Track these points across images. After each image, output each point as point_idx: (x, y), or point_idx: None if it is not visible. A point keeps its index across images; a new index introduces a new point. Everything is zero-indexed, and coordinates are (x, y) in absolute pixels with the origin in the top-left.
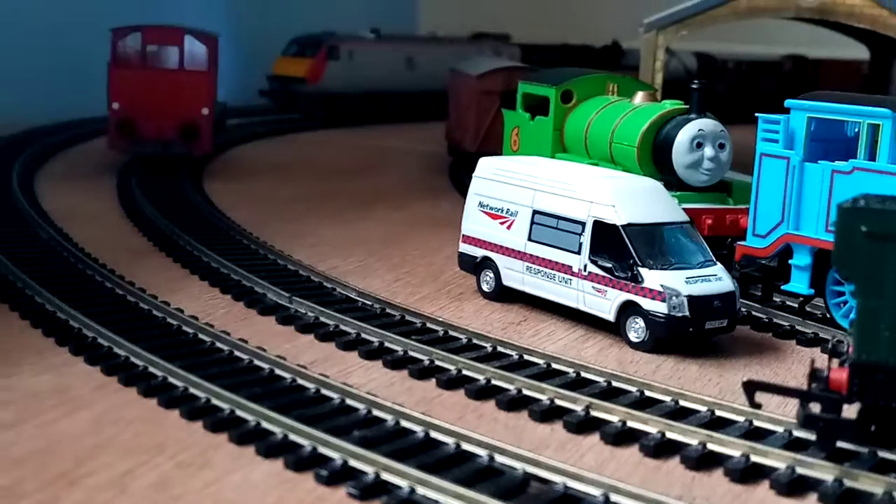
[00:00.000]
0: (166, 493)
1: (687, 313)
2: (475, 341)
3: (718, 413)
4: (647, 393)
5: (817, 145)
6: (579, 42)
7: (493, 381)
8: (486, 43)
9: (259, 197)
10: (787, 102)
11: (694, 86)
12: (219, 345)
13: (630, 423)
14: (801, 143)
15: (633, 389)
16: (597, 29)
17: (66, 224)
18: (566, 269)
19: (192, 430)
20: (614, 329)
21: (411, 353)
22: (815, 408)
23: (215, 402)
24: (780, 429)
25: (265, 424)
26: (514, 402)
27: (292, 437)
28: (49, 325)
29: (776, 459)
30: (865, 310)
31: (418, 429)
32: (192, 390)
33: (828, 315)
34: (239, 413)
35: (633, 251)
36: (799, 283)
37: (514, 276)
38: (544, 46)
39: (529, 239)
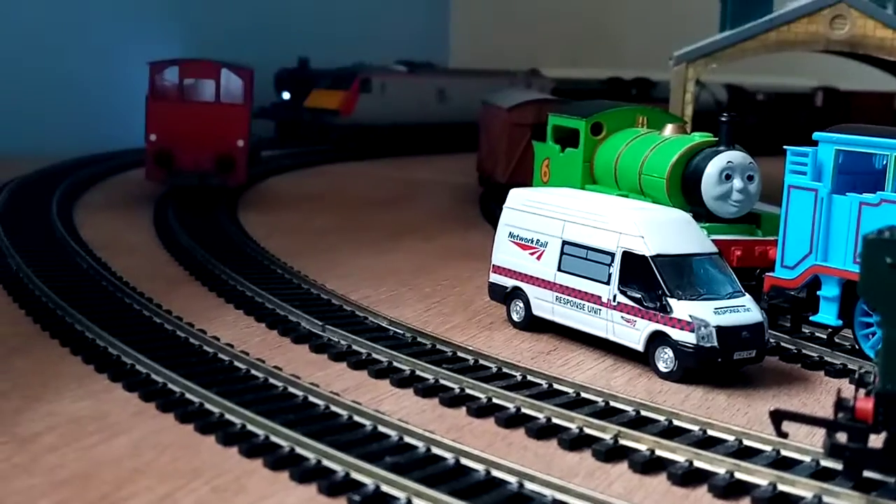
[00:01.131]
0: None
1: (716, 344)
2: (505, 370)
3: (746, 442)
4: (676, 422)
5: (845, 178)
6: (609, 75)
7: (523, 410)
8: (517, 76)
9: (292, 227)
10: (816, 135)
11: (723, 118)
12: (254, 372)
13: (658, 452)
14: (829, 175)
15: (662, 419)
16: (627, 62)
17: (104, 253)
18: (595, 299)
19: (228, 455)
20: (643, 359)
21: (442, 382)
22: (842, 437)
23: (250, 427)
24: (807, 458)
25: (299, 450)
26: (544, 431)
27: (326, 462)
28: (88, 353)
29: (803, 488)
30: (891, 340)
31: (449, 455)
32: (228, 416)
33: (856, 346)
34: (273, 439)
35: (662, 282)
36: (827, 315)
37: (544, 305)
38: (574, 80)
39: (559, 269)
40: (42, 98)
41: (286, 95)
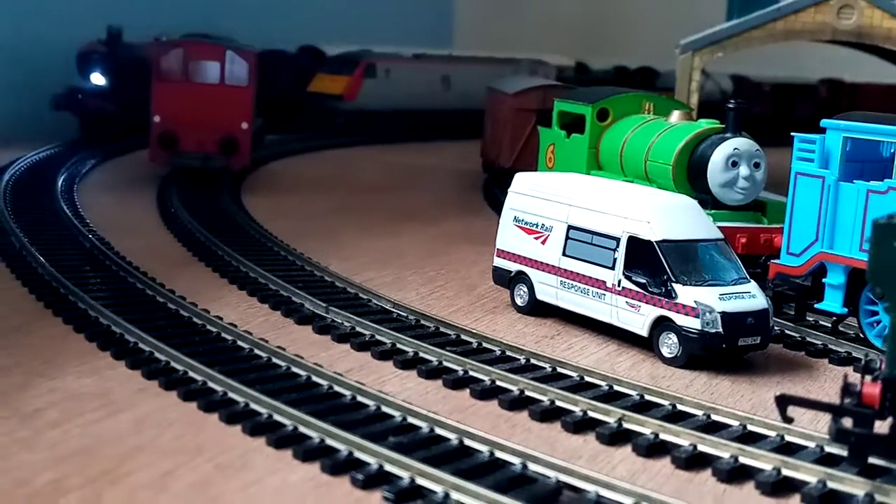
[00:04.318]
0: (205, 494)
1: (720, 329)
2: (509, 353)
3: (750, 427)
4: (680, 407)
5: (853, 165)
6: (614, 64)
7: (527, 393)
8: (521, 63)
9: (295, 210)
10: (824, 122)
11: (730, 105)
12: (257, 352)
13: (662, 436)
14: (837, 162)
15: (666, 403)
16: (631, 53)
17: (107, 234)
18: (600, 284)
19: (231, 433)
20: (647, 344)
21: (446, 364)
22: (848, 423)
23: (254, 406)
24: (811, 444)
25: (302, 429)
26: (548, 413)
27: (329, 441)
28: (92, 331)
29: (807, 474)
30: None
31: (452, 436)
32: (232, 395)
33: (861, 334)
34: (277, 417)
35: (667, 267)
36: (832, 302)
37: (548, 290)
38: (579, 68)
39: (564, 254)
40: None
41: (98, 80)
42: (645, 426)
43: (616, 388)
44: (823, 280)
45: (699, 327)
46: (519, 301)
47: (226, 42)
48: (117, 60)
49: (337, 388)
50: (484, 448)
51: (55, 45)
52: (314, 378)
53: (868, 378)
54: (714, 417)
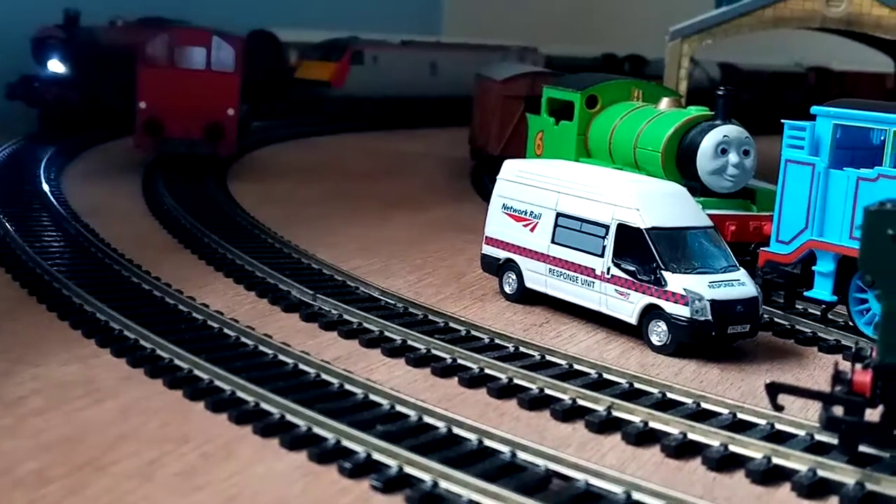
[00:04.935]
0: (191, 482)
1: (710, 317)
2: (497, 341)
3: (740, 416)
4: (669, 395)
5: (843, 152)
6: (602, 52)
7: (516, 381)
8: (510, 50)
9: (282, 198)
10: (814, 109)
11: (720, 92)
12: (244, 339)
13: (652, 424)
14: (827, 149)
15: (655, 391)
16: (620, 41)
17: (92, 220)
18: (589, 271)
19: (217, 421)
20: (636, 332)
21: (434, 352)
22: (838, 411)
23: (240, 394)
24: (801, 432)
25: (289, 417)
26: (536, 402)
27: (316, 429)
28: (76, 318)
29: (798, 462)
30: (891, 312)
31: (441, 425)
32: (218, 383)
33: (850, 322)
34: (263, 406)
35: (656, 254)
36: (822, 290)
37: (537, 278)
38: (568, 56)
39: (553, 241)
40: None
41: (57, 67)
42: (634, 414)
43: (605, 376)
44: (813, 268)
45: (688, 315)
46: (507, 289)
47: (209, 28)
48: (79, 46)
49: (324, 377)
50: (473, 436)
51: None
52: (301, 366)
53: (859, 366)
54: (703, 406)
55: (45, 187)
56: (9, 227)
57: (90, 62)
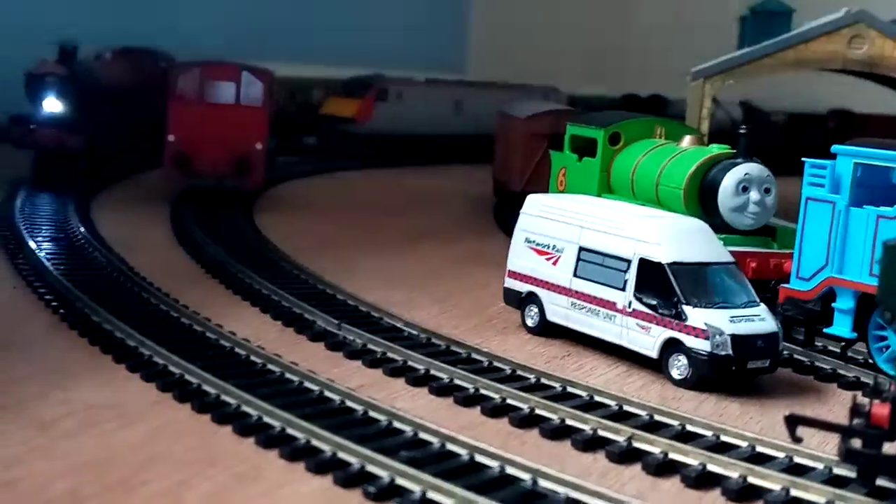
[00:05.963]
0: (220, 503)
1: (730, 352)
2: (519, 372)
3: (759, 448)
4: (689, 427)
5: (863, 191)
6: (624, 92)
7: (537, 411)
8: (533, 89)
9: (308, 230)
10: (834, 148)
11: (741, 131)
12: (270, 366)
13: (672, 455)
14: (847, 188)
15: (675, 423)
16: (641, 82)
17: (122, 250)
18: (611, 305)
19: (244, 445)
20: (657, 366)
21: (457, 381)
22: (857, 443)
23: (267, 419)
24: (820, 465)
25: (315, 442)
26: (558, 432)
27: (341, 454)
28: (107, 344)
29: (816, 494)
30: None
31: (463, 452)
32: (245, 408)
33: (870, 360)
34: (289, 431)
35: (677, 289)
36: (842, 327)
37: (559, 311)
38: (590, 96)
39: (575, 275)
40: None
41: (54, 105)
42: (654, 445)
43: (626, 408)
44: (833, 305)
45: (709, 349)
46: (529, 322)
47: (238, 62)
48: (81, 84)
49: (349, 403)
50: (495, 463)
51: None
52: (326, 393)
53: (877, 399)
54: (723, 438)
55: (76, 217)
56: (41, 255)
57: (93, 101)
